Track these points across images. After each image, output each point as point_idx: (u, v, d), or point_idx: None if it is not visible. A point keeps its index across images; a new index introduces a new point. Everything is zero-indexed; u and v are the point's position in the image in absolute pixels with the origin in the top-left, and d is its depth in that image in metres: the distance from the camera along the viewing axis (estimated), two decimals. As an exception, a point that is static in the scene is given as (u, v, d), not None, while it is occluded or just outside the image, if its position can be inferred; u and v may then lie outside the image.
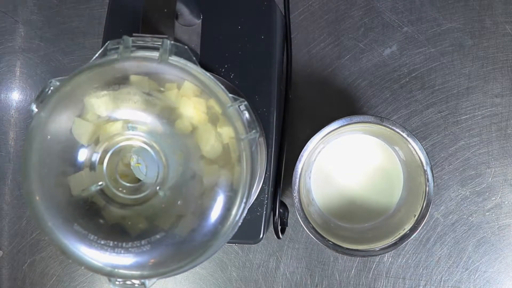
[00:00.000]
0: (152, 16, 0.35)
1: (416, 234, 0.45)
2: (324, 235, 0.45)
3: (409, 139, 0.44)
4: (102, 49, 0.31)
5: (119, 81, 0.30)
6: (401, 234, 0.45)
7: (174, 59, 0.31)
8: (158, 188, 0.31)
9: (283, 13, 0.51)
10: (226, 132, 0.30)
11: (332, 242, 0.45)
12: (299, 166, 0.45)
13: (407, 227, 0.45)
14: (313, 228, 0.45)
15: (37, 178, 0.30)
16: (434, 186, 0.44)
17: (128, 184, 0.31)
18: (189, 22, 0.46)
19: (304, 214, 0.45)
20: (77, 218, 0.30)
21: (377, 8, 0.55)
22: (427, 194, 0.44)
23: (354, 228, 0.50)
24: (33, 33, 0.58)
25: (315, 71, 0.55)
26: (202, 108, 0.31)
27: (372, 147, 0.50)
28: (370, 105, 0.55)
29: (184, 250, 0.30)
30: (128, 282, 0.31)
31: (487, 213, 0.53)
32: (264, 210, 0.45)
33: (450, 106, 0.54)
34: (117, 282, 0.31)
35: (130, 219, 0.31)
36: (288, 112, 0.50)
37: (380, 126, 0.45)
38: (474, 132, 0.54)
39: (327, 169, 0.50)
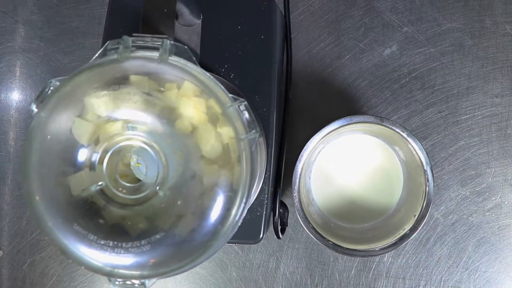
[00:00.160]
0: (152, 16, 0.35)
1: (416, 234, 0.45)
2: (324, 235, 0.45)
3: (409, 139, 0.44)
4: (102, 49, 0.31)
5: (119, 81, 0.30)
6: (401, 234, 0.45)
7: (174, 59, 0.31)
8: (158, 188, 0.31)
9: (283, 13, 0.51)
10: (226, 132, 0.30)
11: (332, 242, 0.45)
12: (299, 166, 0.45)
13: (407, 227, 0.45)
14: (313, 228, 0.45)
15: (37, 178, 0.30)
16: (434, 186, 0.44)
17: (128, 184, 0.31)
18: (189, 22, 0.46)
19: (304, 214, 0.45)
20: (77, 218, 0.30)
21: (377, 8, 0.55)
22: (427, 194, 0.44)
23: (354, 228, 0.50)
24: (33, 33, 0.58)
25: (315, 71, 0.55)
26: (202, 108, 0.31)
27: (372, 147, 0.50)
28: (370, 105, 0.55)
29: (184, 250, 0.30)
30: (128, 282, 0.31)
31: (487, 213, 0.53)
32: (264, 210, 0.45)
33: (450, 106, 0.54)
34: (117, 282, 0.31)
35: (130, 219, 0.31)
36: (288, 112, 0.50)
37: (380, 126, 0.45)
38: (474, 132, 0.54)
39: (327, 169, 0.50)
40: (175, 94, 0.30)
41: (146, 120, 0.30)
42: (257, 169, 0.39)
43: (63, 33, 0.58)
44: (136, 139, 0.31)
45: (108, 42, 0.31)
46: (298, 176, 0.44)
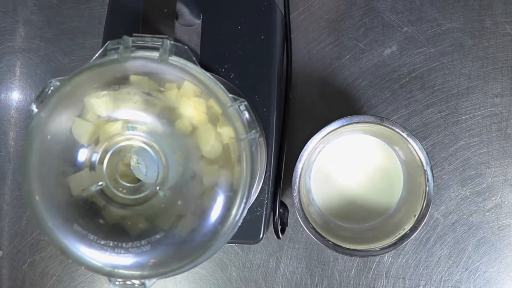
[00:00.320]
0: (152, 16, 0.35)
1: (416, 234, 0.45)
2: (324, 235, 0.45)
3: (409, 139, 0.44)
4: (102, 49, 0.31)
5: (119, 81, 0.30)
6: (401, 234, 0.45)
7: (174, 59, 0.31)
8: (158, 188, 0.31)
9: (283, 13, 0.51)
10: (226, 132, 0.30)
11: (332, 242, 0.45)
12: (299, 166, 0.45)
13: (407, 227, 0.45)
14: (313, 228, 0.45)
15: (37, 178, 0.30)
16: (434, 186, 0.44)
17: (128, 184, 0.31)
18: (189, 22, 0.46)
19: (304, 214, 0.45)
20: (77, 218, 0.30)
21: (377, 8, 0.55)
22: (427, 194, 0.44)
23: (354, 228, 0.50)
24: (33, 33, 0.58)
25: (315, 71, 0.55)
26: (202, 108, 0.31)
27: (372, 147, 0.50)
28: (370, 105, 0.55)
29: (184, 250, 0.30)
30: (128, 282, 0.31)
31: (487, 213, 0.53)
32: (264, 210, 0.45)
33: (450, 106, 0.54)
34: (117, 282, 0.31)
35: (130, 219, 0.31)
36: (288, 112, 0.50)
37: (380, 126, 0.45)
38: (474, 132, 0.54)
39: (327, 169, 0.50)
40: (175, 94, 0.30)
41: (146, 120, 0.30)
42: (257, 169, 0.39)
43: (63, 33, 0.58)
44: (136, 139, 0.31)
45: (108, 42, 0.31)
46: (298, 176, 0.44)
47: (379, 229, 0.48)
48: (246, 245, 0.55)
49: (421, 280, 0.53)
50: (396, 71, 0.55)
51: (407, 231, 0.44)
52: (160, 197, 0.31)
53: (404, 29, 0.55)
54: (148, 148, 0.31)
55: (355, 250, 0.45)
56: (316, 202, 0.50)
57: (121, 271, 0.30)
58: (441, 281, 0.53)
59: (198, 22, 0.47)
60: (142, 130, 0.31)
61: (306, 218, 0.45)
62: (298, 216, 0.45)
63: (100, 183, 0.31)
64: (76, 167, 0.31)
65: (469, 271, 0.53)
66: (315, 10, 0.56)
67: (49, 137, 0.30)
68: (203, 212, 0.30)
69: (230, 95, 0.31)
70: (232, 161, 0.30)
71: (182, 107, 0.30)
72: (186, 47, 0.32)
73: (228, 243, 0.33)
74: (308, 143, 0.44)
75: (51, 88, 0.30)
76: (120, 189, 0.31)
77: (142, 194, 0.31)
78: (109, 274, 0.30)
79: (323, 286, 0.54)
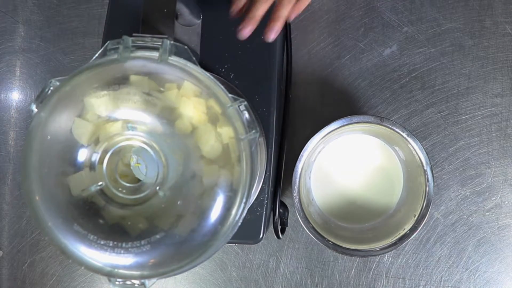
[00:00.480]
0: (152, 16, 0.35)
1: (416, 234, 0.45)
2: (324, 235, 0.45)
3: (409, 139, 0.44)
4: (102, 49, 0.31)
5: (119, 81, 0.30)
6: (401, 234, 0.45)
7: (174, 59, 0.31)
8: (158, 188, 0.31)
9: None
10: (226, 132, 0.30)
11: (332, 242, 0.45)
12: (299, 166, 0.45)
13: (407, 227, 0.45)
14: (313, 228, 0.45)
15: (37, 178, 0.30)
16: (434, 186, 0.44)
17: (128, 184, 0.31)
18: (189, 22, 0.46)
19: (304, 214, 0.45)
20: (77, 218, 0.30)
21: (377, 8, 0.55)
22: (427, 194, 0.44)
23: (354, 228, 0.50)
24: (33, 33, 0.58)
25: (315, 71, 0.55)
26: (202, 108, 0.31)
27: (372, 147, 0.50)
28: (370, 105, 0.55)
29: (184, 250, 0.30)
30: (128, 282, 0.31)
31: (487, 213, 0.53)
32: (264, 210, 0.45)
33: (450, 106, 0.54)
34: (117, 282, 0.31)
35: (130, 219, 0.31)
36: (288, 112, 0.50)
37: (380, 126, 0.45)
38: (474, 132, 0.54)
39: (327, 169, 0.50)
40: (175, 94, 0.30)
41: (146, 120, 0.30)
42: (257, 169, 0.39)
43: (63, 33, 0.58)
44: (136, 139, 0.31)
45: (108, 42, 0.31)
46: (298, 176, 0.45)
47: (379, 229, 0.48)
48: (246, 245, 0.55)
49: (421, 280, 0.53)
50: (396, 71, 0.55)
51: (407, 231, 0.44)
52: (160, 197, 0.31)
53: (404, 29, 0.55)
54: (148, 148, 0.31)
55: (355, 250, 0.45)
56: (316, 202, 0.50)
57: (121, 271, 0.30)
58: (441, 281, 0.53)
59: (198, 22, 0.47)
60: (142, 130, 0.31)
61: (306, 218, 0.45)
62: (298, 216, 0.45)
63: (100, 183, 0.31)
64: (76, 167, 0.31)
65: (469, 271, 0.53)
66: (315, 10, 0.56)
67: (49, 137, 0.30)
68: (203, 212, 0.30)
69: (230, 95, 0.31)
70: (232, 161, 0.30)
71: (182, 107, 0.30)
72: (186, 47, 0.32)
73: (228, 243, 0.33)
74: (308, 143, 0.44)
75: (51, 88, 0.30)
76: (120, 189, 0.31)
77: (142, 194, 0.31)
78: (109, 274, 0.30)
79: (323, 286, 0.54)
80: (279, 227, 0.47)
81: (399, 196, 0.49)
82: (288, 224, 0.53)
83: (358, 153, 0.50)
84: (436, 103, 0.54)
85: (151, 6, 0.35)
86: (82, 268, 0.30)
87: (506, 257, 0.53)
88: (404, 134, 0.44)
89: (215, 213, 0.30)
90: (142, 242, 0.30)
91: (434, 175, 0.47)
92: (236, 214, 0.30)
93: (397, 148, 0.48)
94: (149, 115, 0.30)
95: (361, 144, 0.50)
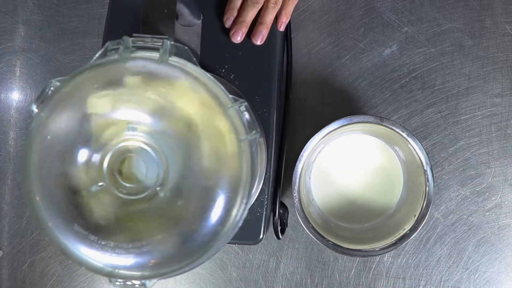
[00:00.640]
0: (152, 17, 0.35)
1: (416, 234, 0.45)
2: (324, 235, 0.45)
3: (409, 139, 0.44)
4: (103, 49, 0.31)
5: (120, 82, 0.30)
6: (401, 234, 0.45)
7: (174, 59, 0.31)
8: (158, 188, 0.31)
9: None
10: (227, 133, 0.30)
11: (332, 242, 0.45)
12: (299, 166, 0.45)
13: (407, 227, 0.45)
14: (313, 228, 0.45)
15: (38, 178, 0.30)
16: (434, 186, 0.44)
17: (128, 185, 0.31)
18: (189, 23, 0.46)
19: (304, 214, 0.45)
20: (78, 219, 0.30)
21: (377, 8, 0.55)
22: (427, 194, 0.44)
23: (354, 228, 0.50)
24: (33, 33, 0.58)
25: (315, 71, 0.55)
26: (202, 109, 0.31)
27: (372, 147, 0.50)
28: (370, 105, 0.55)
29: (184, 250, 0.30)
30: (129, 283, 0.31)
31: (487, 213, 0.53)
32: (264, 210, 0.45)
33: (450, 106, 0.54)
34: (117, 283, 0.31)
35: (131, 220, 0.31)
36: (288, 113, 0.50)
37: (380, 126, 0.45)
38: (474, 132, 0.54)
39: (327, 169, 0.50)
40: (176, 95, 0.30)
41: (146, 120, 0.30)
42: (257, 170, 0.39)
43: (63, 33, 0.58)
44: (136, 140, 0.31)
45: (108, 42, 0.31)
46: (298, 176, 0.45)
47: (379, 229, 0.48)
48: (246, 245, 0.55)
49: (421, 280, 0.53)
50: (396, 71, 0.55)
51: (407, 231, 0.44)
52: (161, 198, 0.30)
53: (404, 29, 0.55)
54: (149, 149, 0.31)
55: (355, 250, 0.45)
56: (316, 202, 0.50)
57: (122, 271, 0.30)
58: (441, 281, 0.53)
59: (198, 22, 0.47)
60: (142, 131, 0.31)
61: (306, 218, 0.45)
62: (298, 216, 0.45)
63: (100, 184, 0.31)
64: (77, 167, 0.31)
65: (469, 271, 0.53)
66: (315, 10, 0.56)
67: (49, 137, 0.30)
68: (204, 213, 0.30)
69: (231, 96, 0.31)
70: (232, 161, 0.30)
71: (182, 107, 0.30)
72: (186, 47, 0.31)
73: (228, 243, 0.33)
74: (308, 143, 0.44)
75: (52, 88, 0.30)
76: (120, 189, 0.31)
77: (143, 195, 0.31)
78: (110, 275, 0.30)
79: (323, 286, 0.54)
80: (279, 228, 0.47)
81: (399, 196, 0.49)
82: (288, 224, 0.53)
83: (358, 153, 0.50)
84: (436, 103, 0.54)
85: (151, 6, 0.35)
86: (83, 268, 0.30)
87: (506, 257, 0.53)
88: (404, 134, 0.44)
89: (215, 214, 0.30)
90: (143, 242, 0.30)
91: (434, 175, 0.47)
92: (236, 215, 0.30)
93: (397, 148, 0.49)
94: (150, 116, 0.30)
95: (361, 144, 0.50)
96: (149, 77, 0.30)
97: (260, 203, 0.45)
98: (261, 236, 0.45)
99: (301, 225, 0.44)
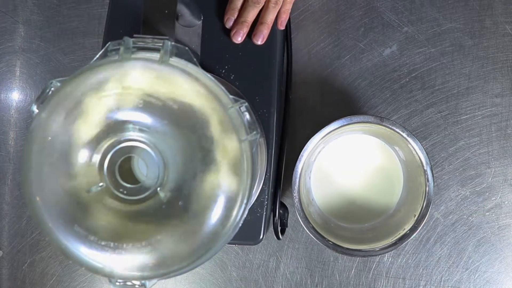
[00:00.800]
0: (153, 17, 0.35)
1: (416, 234, 0.45)
2: (324, 235, 0.45)
3: (409, 139, 0.44)
4: (103, 50, 0.31)
5: (120, 82, 0.30)
6: (401, 234, 0.45)
7: (174, 60, 0.31)
8: (158, 189, 0.31)
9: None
10: (227, 133, 0.30)
11: (332, 242, 0.45)
12: (299, 166, 0.45)
13: (407, 227, 0.45)
14: (313, 228, 0.45)
15: (38, 178, 0.30)
16: (434, 186, 0.44)
17: (128, 185, 0.31)
18: (190, 23, 0.46)
19: (304, 214, 0.45)
20: (78, 219, 0.30)
21: (377, 8, 0.55)
22: (427, 194, 0.44)
23: (354, 228, 0.50)
24: (33, 33, 0.58)
25: (315, 71, 0.55)
26: (202, 109, 0.31)
27: (372, 147, 0.50)
28: (370, 105, 0.55)
29: (184, 251, 0.30)
30: (129, 283, 0.31)
31: (487, 213, 0.54)
32: (264, 211, 0.45)
33: (450, 106, 0.54)
34: (117, 283, 0.31)
35: (131, 220, 0.31)
36: (288, 114, 0.50)
37: (380, 126, 0.45)
38: (474, 132, 0.54)
39: (327, 169, 0.50)
40: (176, 95, 0.30)
41: (146, 121, 0.30)
42: (258, 170, 0.39)
43: (63, 33, 0.58)
44: (137, 140, 0.31)
45: (109, 43, 0.31)
46: (298, 176, 0.45)
47: (379, 229, 0.49)
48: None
49: (421, 280, 0.53)
50: (396, 71, 0.55)
51: (407, 231, 0.44)
52: (161, 198, 0.30)
53: (404, 29, 0.55)
54: (149, 149, 0.31)
55: (355, 250, 0.45)
56: (316, 202, 0.50)
57: (122, 272, 0.30)
58: (441, 281, 0.53)
59: (199, 23, 0.47)
60: (142, 131, 0.31)
61: (306, 218, 0.45)
62: (298, 216, 0.45)
63: (100, 184, 0.31)
64: (77, 168, 0.31)
65: (469, 271, 0.53)
66: (315, 10, 0.56)
67: (49, 138, 0.30)
68: (204, 213, 0.30)
69: (231, 96, 0.31)
70: (233, 162, 0.30)
71: (183, 108, 0.30)
72: (186, 48, 0.31)
73: (228, 243, 0.33)
74: (308, 143, 0.44)
75: (52, 88, 0.30)
76: (120, 190, 0.31)
77: (143, 195, 0.31)
78: (110, 275, 0.30)
79: (323, 286, 0.54)
80: (279, 228, 0.47)
81: (399, 196, 0.49)
82: (288, 224, 0.53)
83: (358, 153, 0.50)
84: (436, 103, 0.54)
85: (152, 7, 0.35)
86: (83, 268, 0.30)
87: (506, 257, 0.53)
88: (404, 134, 0.44)
89: (216, 214, 0.30)
90: (143, 243, 0.30)
91: (434, 175, 0.47)
92: (236, 215, 0.30)
93: (397, 148, 0.49)
94: (150, 116, 0.30)
95: (361, 144, 0.50)
96: (150, 78, 0.30)
97: (260, 203, 0.45)
98: (261, 236, 0.45)
99: (301, 225, 0.44)
